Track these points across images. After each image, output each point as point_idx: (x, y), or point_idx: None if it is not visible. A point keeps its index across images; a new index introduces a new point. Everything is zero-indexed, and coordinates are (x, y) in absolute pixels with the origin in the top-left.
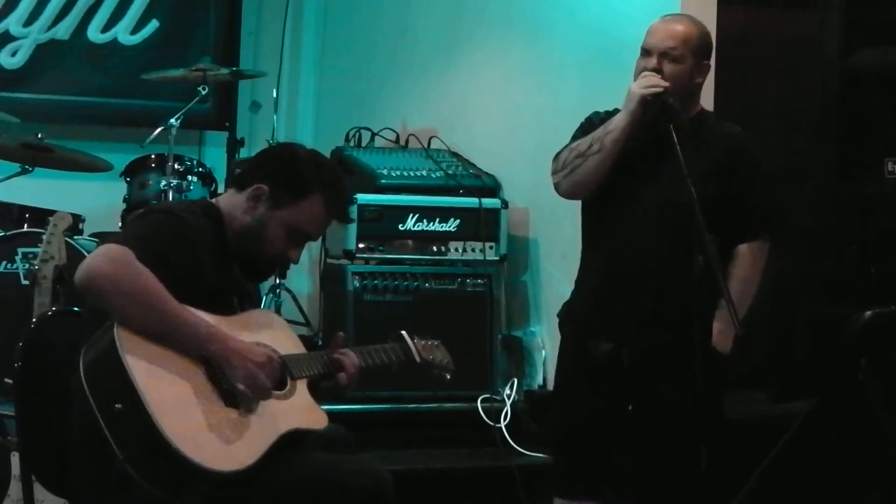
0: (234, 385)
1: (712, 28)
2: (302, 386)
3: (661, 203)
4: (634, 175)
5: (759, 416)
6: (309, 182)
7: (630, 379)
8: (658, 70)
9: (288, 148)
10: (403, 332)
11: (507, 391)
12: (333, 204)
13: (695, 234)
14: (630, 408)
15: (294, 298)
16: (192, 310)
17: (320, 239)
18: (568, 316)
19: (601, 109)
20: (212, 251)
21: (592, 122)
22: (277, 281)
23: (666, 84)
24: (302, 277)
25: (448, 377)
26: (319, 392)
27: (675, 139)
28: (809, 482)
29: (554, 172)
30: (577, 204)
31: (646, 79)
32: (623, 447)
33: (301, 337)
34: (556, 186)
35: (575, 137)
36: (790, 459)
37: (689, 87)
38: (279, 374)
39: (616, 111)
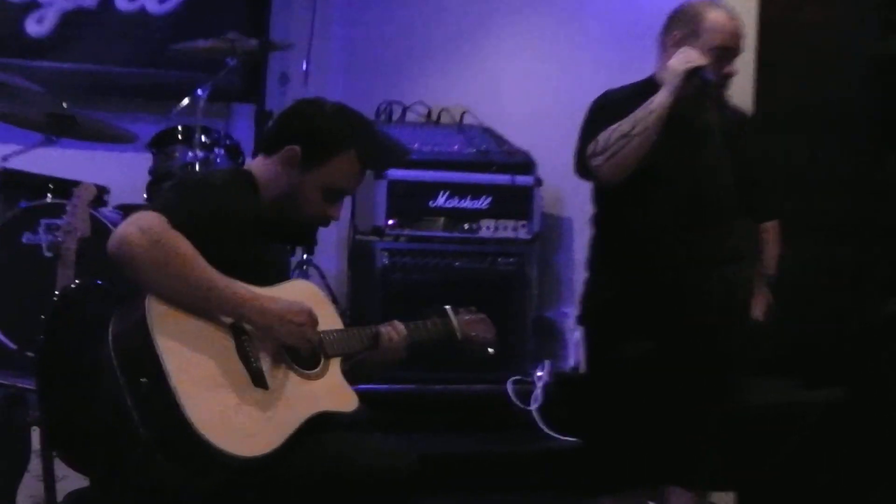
0: (265, 360)
1: (754, 12)
2: (334, 365)
3: (700, 181)
4: (670, 153)
5: (784, 403)
6: (340, 138)
7: (671, 375)
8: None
9: (313, 104)
10: (447, 308)
11: (538, 373)
12: (367, 157)
13: (734, 212)
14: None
15: (321, 275)
16: (227, 277)
17: (349, 215)
18: (597, 311)
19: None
20: (249, 220)
21: (610, 104)
22: (304, 257)
23: (704, 60)
24: (329, 254)
25: (491, 352)
26: (360, 371)
27: (712, 117)
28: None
29: (593, 155)
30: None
31: (684, 54)
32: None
33: None
34: (597, 170)
35: (596, 121)
36: (810, 448)
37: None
38: (317, 336)
39: (631, 88)
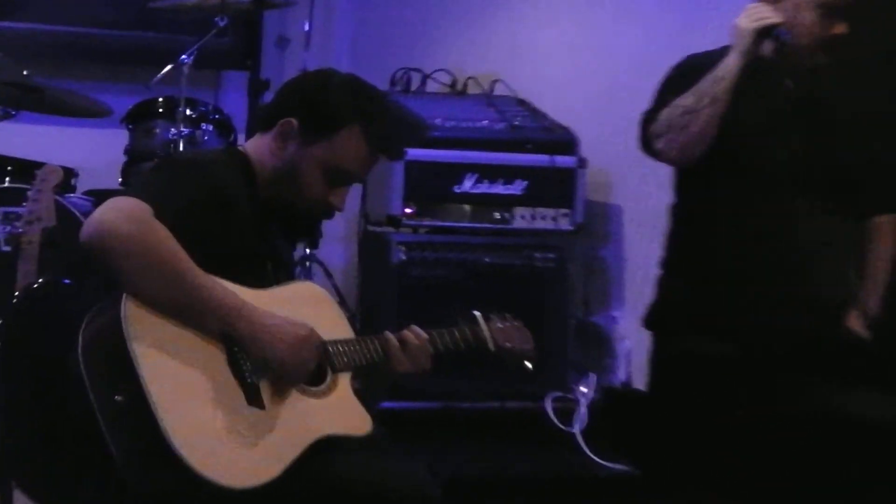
0: (262, 372)
1: None
2: (344, 381)
3: (783, 161)
4: (743, 129)
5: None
6: (343, 110)
7: (758, 385)
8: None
9: (320, 74)
10: (477, 313)
11: (583, 388)
12: (376, 135)
13: (828, 195)
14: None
15: (326, 272)
16: (218, 280)
17: (359, 202)
18: (665, 311)
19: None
20: (243, 208)
21: (689, 70)
22: (307, 251)
23: (779, 17)
24: (336, 247)
25: (530, 367)
26: (374, 388)
27: (798, 86)
28: None
29: (656, 136)
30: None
31: (754, 11)
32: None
33: None
34: (661, 153)
35: (666, 93)
36: None
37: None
38: (317, 362)
39: (720, 52)
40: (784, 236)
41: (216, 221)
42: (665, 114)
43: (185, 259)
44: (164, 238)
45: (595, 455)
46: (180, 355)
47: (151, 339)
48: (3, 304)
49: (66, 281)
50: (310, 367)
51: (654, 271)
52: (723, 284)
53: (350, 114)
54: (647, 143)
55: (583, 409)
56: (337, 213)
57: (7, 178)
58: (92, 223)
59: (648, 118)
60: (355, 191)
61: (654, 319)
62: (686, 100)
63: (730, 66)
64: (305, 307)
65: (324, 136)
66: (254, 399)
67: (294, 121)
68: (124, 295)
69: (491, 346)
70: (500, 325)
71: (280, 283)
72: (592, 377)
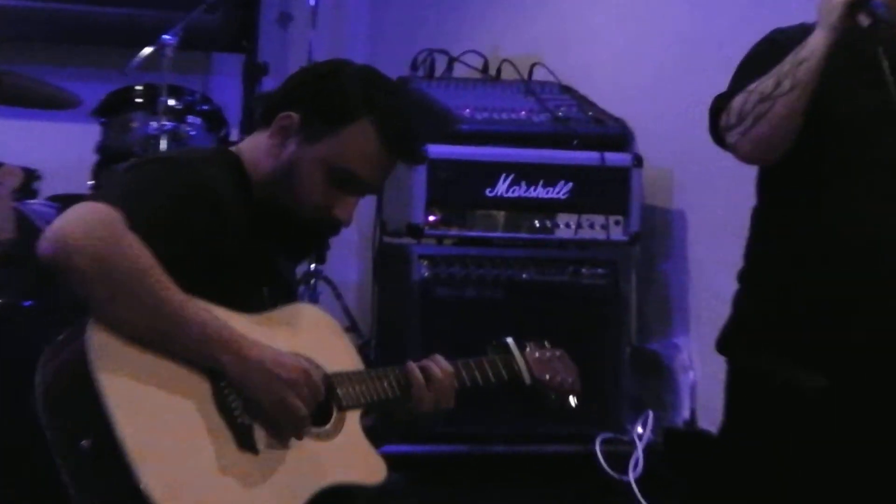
0: (253, 415)
1: None
2: (352, 420)
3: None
4: (844, 119)
5: None
6: (353, 100)
7: (862, 426)
8: None
9: (330, 64)
10: (509, 340)
11: (639, 429)
12: (391, 132)
13: None
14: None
15: (335, 292)
16: (202, 304)
17: (374, 208)
18: (746, 332)
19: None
20: (236, 216)
21: (775, 48)
22: (311, 267)
23: None
24: (347, 262)
25: (573, 403)
26: (389, 426)
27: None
28: None
29: (727, 129)
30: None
31: None
32: None
33: None
34: (734, 147)
35: (746, 74)
36: None
37: None
38: (320, 400)
39: (802, 28)
40: (886, 251)
41: (201, 233)
42: (738, 101)
43: (163, 279)
44: (137, 254)
45: None
46: (158, 392)
47: (123, 373)
48: None
49: (27, 303)
50: (309, 409)
51: (725, 289)
52: (821, 302)
53: (361, 105)
54: (719, 136)
55: (639, 454)
56: (355, 206)
57: None
58: (50, 235)
59: (719, 105)
60: (369, 196)
61: (730, 342)
62: (763, 84)
63: (816, 45)
64: (306, 334)
65: (329, 131)
66: (246, 442)
67: (295, 115)
68: (90, 322)
69: (527, 379)
70: (537, 354)
71: (277, 307)
72: (650, 415)
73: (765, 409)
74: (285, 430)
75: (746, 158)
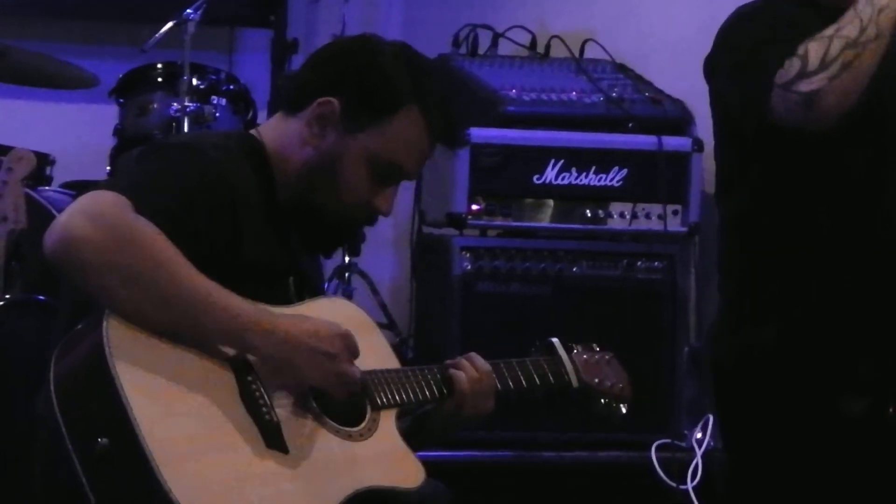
0: (286, 401)
1: None
2: (387, 421)
3: None
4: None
5: None
6: (400, 89)
7: None
8: None
9: (363, 42)
10: (554, 340)
11: (698, 434)
12: (437, 120)
13: None
14: None
15: (371, 287)
16: (224, 289)
17: (412, 198)
18: (769, 355)
19: None
20: (255, 208)
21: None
22: (345, 260)
23: None
24: (383, 254)
25: (623, 411)
26: (427, 428)
27: None
28: None
29: (802, 76)
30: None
31: None
32: None
33: None
34: (815, 96)
35: (776, 26)
36: None
37: None
38: (355, 397)
39: None
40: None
41: (220, 224)
42: (815, 47)
43: (182, 264)
44: (148, 237)
45: None
46: (180, 388)
47: (143, 368)
48: None
49: (40, 297)
50: (348, 372)
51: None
52: (857, 324)
53: (408, 92)
54: (784, 92)
55: (698, 461)
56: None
57: None
58: (54, 230)
59: (778, 54)
60: (407, 184)
61: (726, 361)
62: (846, 29)
63: None
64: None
65: (374, 121)
66: (274, 441)
67: (335, 101)
68: (106, 313)
69: (574, 382)
70: (585, 356)
71: (304, 301)
72: (710, 420)
73: (810, 436)
74: (335, 398)
75: (827, 111)
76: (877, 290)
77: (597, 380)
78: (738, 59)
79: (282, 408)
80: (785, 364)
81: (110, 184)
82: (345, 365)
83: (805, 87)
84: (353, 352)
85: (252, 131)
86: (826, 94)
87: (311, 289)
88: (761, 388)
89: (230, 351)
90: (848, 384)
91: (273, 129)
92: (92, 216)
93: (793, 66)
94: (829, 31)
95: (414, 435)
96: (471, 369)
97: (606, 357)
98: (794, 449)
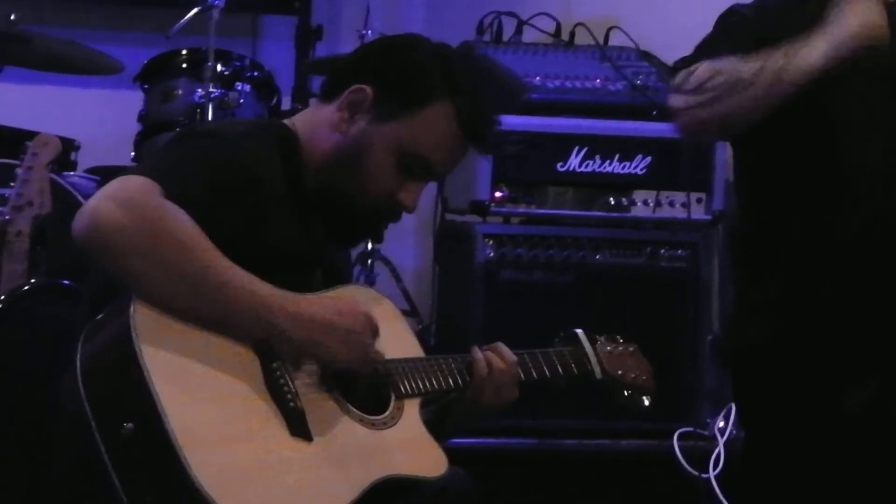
0: (310, 387)
1: None
2: (411, 410)
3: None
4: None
5: None
6: (433, 81)
7: None
8: None
9: (406, 38)
10: (578, 331)
11: (720, 423)
12: (470, 117)
13: None
14: None
15: (394, 274)
16: (248, 274)
17: (435, 185)
18: (772, 349)
19: None
20: (284, 196)
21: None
22: (369, 247)
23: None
24: (406, 242)
25: (646, 403)
26: (449, 417)
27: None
28: None
29: (677, 89)
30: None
31: (872, 12)
32: None
33: None
34: (676, 115)
35: (734, 33)
36: None
37: None
38: (378, 386)
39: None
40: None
41: (247, 212)
42: (704, 70)
43: (209, 249)
44: (177, 222)
45: None
46: (207, 374)
47: (169, 353)
48: None
49: (65, 283)
50: (372, 353)
51: None
52: (858, 314)
53: (441, 85)
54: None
55: (720, 450)
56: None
57: None
58: (84, 214)
59: (688, 61)
60: None
61: (738, 354)
62: (743, 66)
63: (815, 56)
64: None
65: (405, 110)
66: (299, 429)
67: (368, 88)
68: (133, 298)
69: (598, 374)
70: (609, 348)
71: (329, 289)
72: (733, 409)
73: (813, 429)
74: (359, 382)
75: (683, 130)
76: (881, 286)
77: (620, 371)
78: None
79: (306, 395)
80: (787, 359)
81: (139, 169)
82: (369, 340)
83: (672, 100)
84: (374, 330)
85: (286, 121)
86: (682, 114)
87: (338, 278)
88: (766, 382)
89: (256, 335)
90: (851, 380)
91: (306, 117)
92: (122, 201)
93: (679, 76)
94: (737, 60)
95: (437, 424)
96: (496, 359)
97: (630, 349)
98: (796, 443)
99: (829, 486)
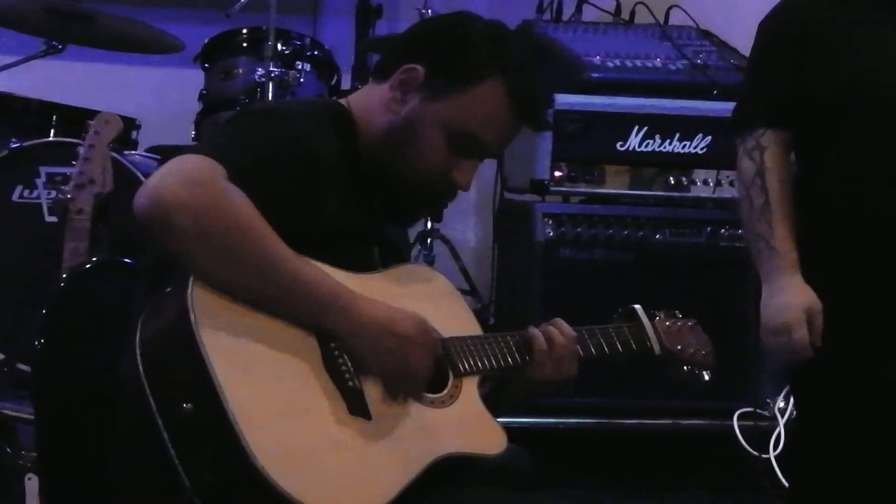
0: (365, 376)
1: None
2: (469, 388)
3: None
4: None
5: None
6: (484, 60)
7: None
8: None
9: (456, 17)
10: (636, 307)
11: (780, 403)
12: (521, 95)
13: None
14: None
15: (453, 252)
16: (310, 261)
17: (494, 164)
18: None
19: None
20: (340, 174)
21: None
22: (428, 225)
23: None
24: (465, 220)
25: (706, 377)
26: (508, 395)
27: None
28: None
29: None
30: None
31: (798, 340)
32: None
33: None
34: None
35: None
36: None
37: None
38: (437, 355)
39: None
40: None
41: (305, 190)
42: (746, 169)
43: (268, 234)
44: (241, 207)
45: (796, 487)
46: (264, 353)
47: (228, 334)
48: (47, 291)
49: (126, 261)
50: (425, 373)
51: None
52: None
53: (492, 63)
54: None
55: (780, 430)
56: (475, 172)
57: (52, 130)
58: (146, 192)
59: (740, 120)
60: None
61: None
62: (755, 193)
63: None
64: (420, 296)
65: (456, 89)
66: (357, 407)
67: (419, 68)
68: (191, 279)
69: (657, 350)
70: (668, 323)
71: (388, 268)
72: None
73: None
74: (401, 389)
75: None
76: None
77: (679, 347)
78: (748, 65)
79: (365, 375)
80: (831, 333)
81: (200, 148)
82: (409, 356)
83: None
84: (431, 343)
85: (342, 100)
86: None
87: (396, 256)
88: (815, 359)
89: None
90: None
91: (361, 96)
92: (186, 181)
93: (743, 141)
94: (755, 216)
95: (496, 400)
96: (557, 334)
97: (689, 324)
98: (845, 414)
99: (877, 452)
